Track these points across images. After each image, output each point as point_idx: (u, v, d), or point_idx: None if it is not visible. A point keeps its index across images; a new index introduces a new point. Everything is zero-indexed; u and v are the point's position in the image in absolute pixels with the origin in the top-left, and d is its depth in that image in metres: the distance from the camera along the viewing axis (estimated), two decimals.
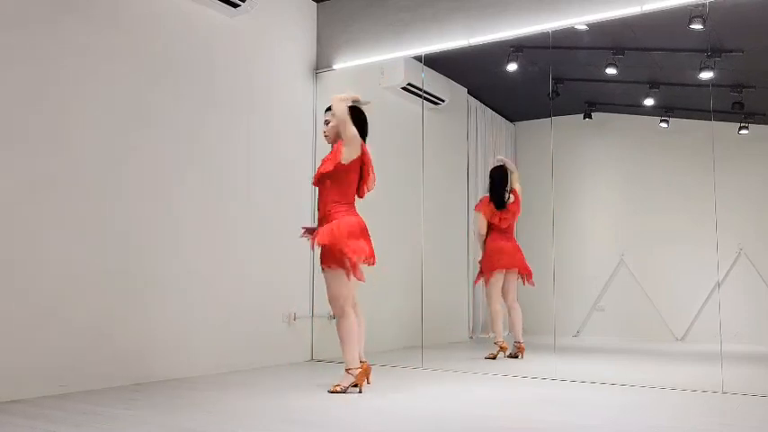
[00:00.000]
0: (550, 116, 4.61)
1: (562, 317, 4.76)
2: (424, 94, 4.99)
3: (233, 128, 4.43)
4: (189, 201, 4.08)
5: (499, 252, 4.94)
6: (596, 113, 5.43)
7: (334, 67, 5.14)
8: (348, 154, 3.44)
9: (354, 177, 3.51)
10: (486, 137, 5.83)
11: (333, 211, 3.44)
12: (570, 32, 4.29)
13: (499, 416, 2.88)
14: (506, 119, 5.93)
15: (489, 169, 5.17)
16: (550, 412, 3.00)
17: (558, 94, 4.83)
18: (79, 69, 3.52)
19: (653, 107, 5.16)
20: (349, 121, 3.44)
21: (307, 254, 4.99)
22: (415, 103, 5.06)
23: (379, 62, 5.01)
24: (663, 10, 3.92)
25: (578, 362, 4.56)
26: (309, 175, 5.10)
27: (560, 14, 4.22)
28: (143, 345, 3.73)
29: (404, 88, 5.07)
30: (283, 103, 4.90)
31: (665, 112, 5.15)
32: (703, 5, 3.85)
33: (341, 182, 3.46)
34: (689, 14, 3.99)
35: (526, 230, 5.37)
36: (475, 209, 5.16)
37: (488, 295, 4.97)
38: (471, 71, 5.47)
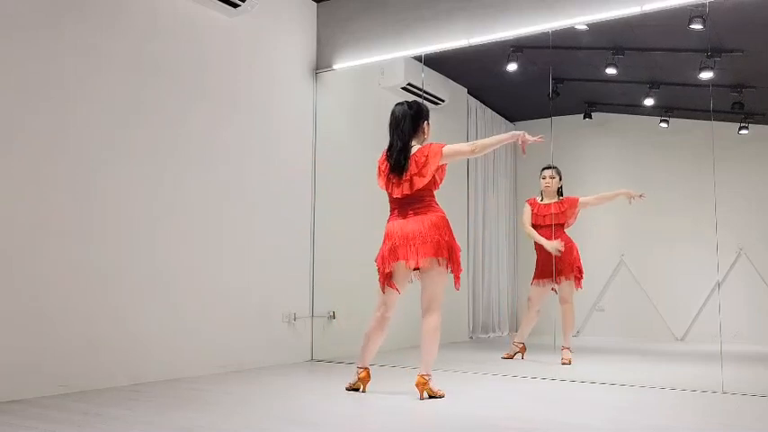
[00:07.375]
0: (550, 116, 4.61)
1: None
2: (424, 94, 4.98)
3: (232, 128, 4.43)
4: (189, 201, 4.08)
5: None
6: (596, 113, 5.43)
7: (334, 67, 5.13)
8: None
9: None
10: (486, 137, 5.82)
11: None
12: (570, 32, 4.29)
13: (499, 416, 2.88)
14: (506, 119, 5.92)
15: None
16: (550, 412, 3.00)
17: (557, 94, 4.83)
18: (79, 70, 3.51)
19: (653, 107, 5.16)
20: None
21: (307, 254, 5.00)
22: None
23: (379, 62, 5.01)
24: (663, 10, 3.92)
25: (578, 362, 4.56)
26: (309, 175, 5.11)
27: (560, 14, 4.22)
28: (142, 345, 3.73)
29: (404, 88, 5.07)
30: (283, 103, 4.90)
31: (665, 112, 5.15)
32: (703, 5, 3.85)
33: None
34: (689, 14, 3.99)
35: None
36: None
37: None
38: (471, 71, 5.47)
